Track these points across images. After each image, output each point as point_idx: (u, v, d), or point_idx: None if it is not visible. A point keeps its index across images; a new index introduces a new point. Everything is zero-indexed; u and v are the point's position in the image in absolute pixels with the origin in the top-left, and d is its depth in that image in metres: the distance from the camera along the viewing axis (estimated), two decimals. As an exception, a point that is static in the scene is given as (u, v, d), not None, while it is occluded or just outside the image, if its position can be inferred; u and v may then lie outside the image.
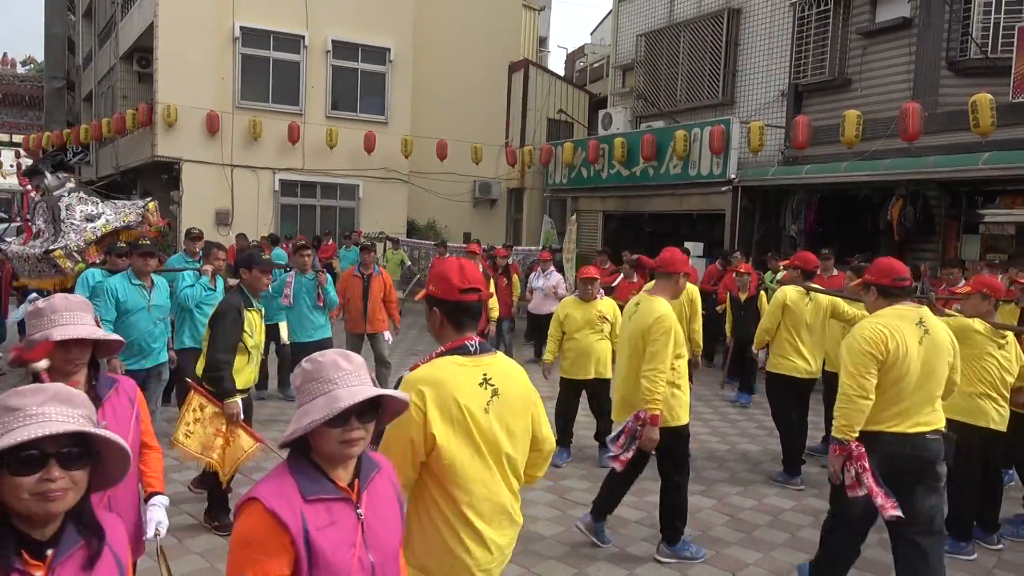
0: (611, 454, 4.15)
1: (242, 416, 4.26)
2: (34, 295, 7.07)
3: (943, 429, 3.47)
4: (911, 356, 3.35)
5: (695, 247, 13.17)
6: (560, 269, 11.83)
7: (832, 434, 3.44)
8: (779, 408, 5.83)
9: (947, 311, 5.37)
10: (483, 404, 2.14)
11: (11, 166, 45.79)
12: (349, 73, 17.38)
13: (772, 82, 13.10)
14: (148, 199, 7.77)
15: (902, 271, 3.57)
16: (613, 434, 4.21)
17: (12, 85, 29.51)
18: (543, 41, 25.36)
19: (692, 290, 6.59)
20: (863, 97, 11.43)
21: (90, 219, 6.85)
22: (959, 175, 9.87)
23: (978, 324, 4.49)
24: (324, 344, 6.86)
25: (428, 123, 17.91)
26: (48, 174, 7.42)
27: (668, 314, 4.12)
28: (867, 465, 3.28)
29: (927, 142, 10.00)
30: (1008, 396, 4.48)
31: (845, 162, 10.99)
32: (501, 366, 2.25)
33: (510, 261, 10.92)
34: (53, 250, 6.65)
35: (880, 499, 3.26)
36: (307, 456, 1.66)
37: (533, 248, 15.60)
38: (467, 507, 2.12)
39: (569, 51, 26.68)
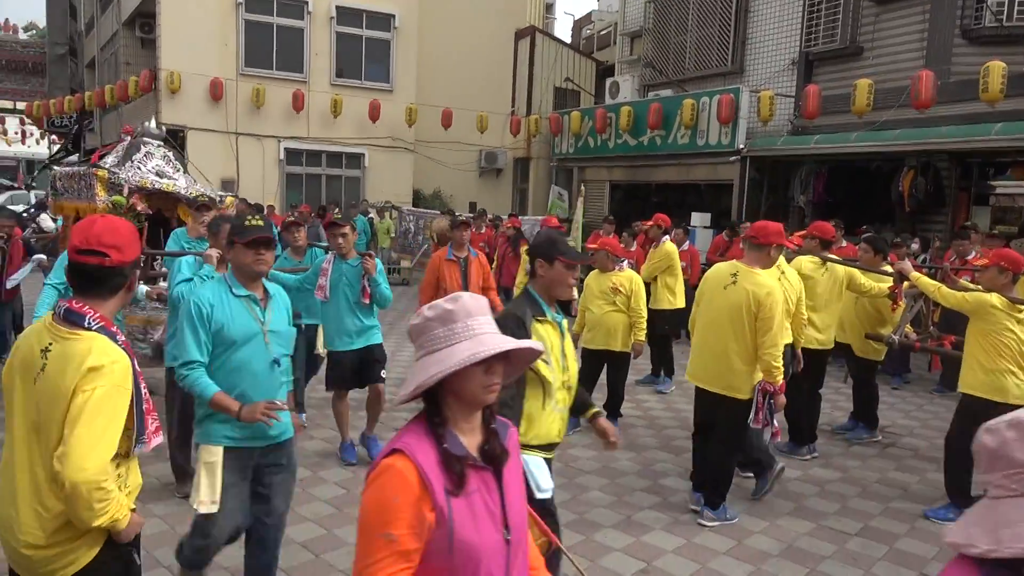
0: (759, 428, 4.35)
1: None
2: (39, 256, 6.52)
3: None
4: None
5: (702, 218, 13.12)
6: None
7: None
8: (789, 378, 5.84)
9: (960, 282, 5.35)
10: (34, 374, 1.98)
11: (15, 133, 45.70)
12: (354, 40, 17.19)
13: (783, 50, 12.91)
14: (229, 194, 7.30)
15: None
16: (751, 414, 4.27)
17: (15, 52, 29.31)
18: (549, 7, 24.98)
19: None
20: (875, 66, 11.26)
21: (159, 175, 6.34)
22: (971, 146, 9.77)
23: (995, 299, 4.46)
24: (372, 354, 5.16)
25: (433, 91, 17.74)
26: (151, 124, 7.12)
27: (776, 287, 4.25)
28: None
29: (939, 112, 9.87)
30: None
31: (855, 132, 10.88)
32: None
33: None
34: (100, 167, 6.10)
35: None
36: (439, 415, 1.56)
37: (540, 218, 15.54)
38: None
39: (576, 18, 26.31)
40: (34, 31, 31.93)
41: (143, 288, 5.01)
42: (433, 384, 1.51)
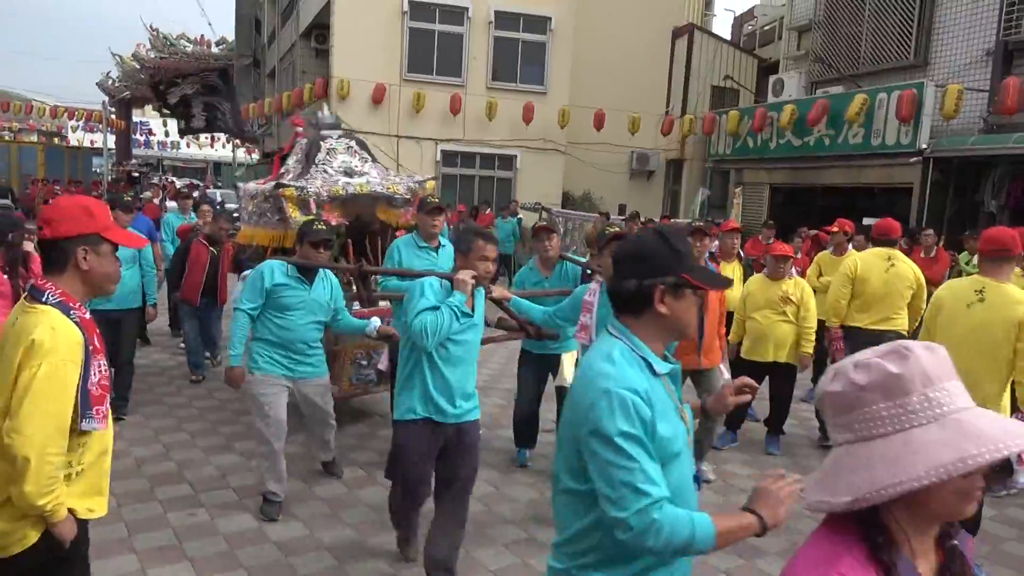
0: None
1: None
2: (248, 272, 5.08)
3: None
4: None
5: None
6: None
7: None
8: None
9: None
10: None
11: (206, 138, 50.61)
12: (510, 43, 17.47)
13: (975, 39, 11.67)
14: (429, 177, 6.07)
15: None
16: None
17: (208, 64, 32.40)
18: (708, 4, 24.14)
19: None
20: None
21: (348, 173, 5.55)
22: None
23: None
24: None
25: (586, 92, 17.66)
26: (325, 111, 6.34)
27: None
28: None
29: None
30: None
31: (1065, 129, 9.63)
32: None
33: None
34: (286, 186, 5.25)
35: None
36: (883, 534, 1.11)
37: (691, 222, 15.05)
38: None
39: (737, 14, 25.29)
40: (224, 45, 35.18)
41: (375, 321, 4.31)
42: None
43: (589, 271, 4.62)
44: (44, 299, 1.99)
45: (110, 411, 2.14)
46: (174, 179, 34.76)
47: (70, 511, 2.04)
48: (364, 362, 5.54)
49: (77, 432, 2.03)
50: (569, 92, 17.56)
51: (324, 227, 4.27)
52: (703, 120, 16.60)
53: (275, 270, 4.12)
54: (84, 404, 1.99)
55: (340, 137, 5.90)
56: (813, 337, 5.61)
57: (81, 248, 2.05)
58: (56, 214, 2.06)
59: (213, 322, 7.21)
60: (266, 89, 26.76)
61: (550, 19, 17.35)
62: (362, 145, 6.05)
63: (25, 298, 2.05)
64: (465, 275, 3.27)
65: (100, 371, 2.06)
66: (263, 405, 4.06)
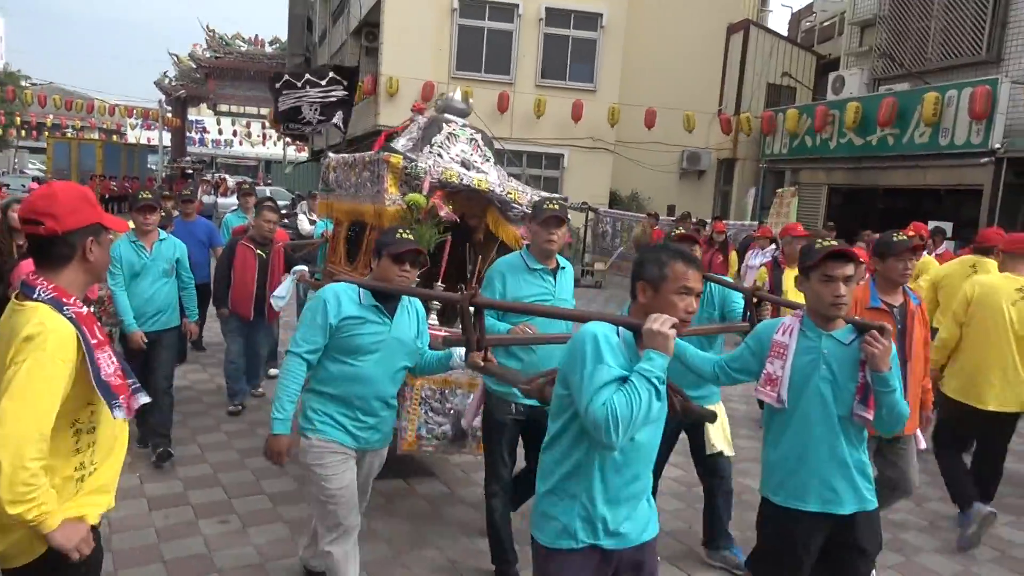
0: None
1: None
2: (301, 267, 4.76)
3: None
4: None
5: (944, 228, 11.52)
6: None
7: None
8: None
9: None
10: None
11: (258, 136, 51.56)
12: (560, 40, 17.21)
13: (1056, 33, 11.00)
14: (558, 196, 3.96)
15: None
16: None
17: (261, 63, 32.96)
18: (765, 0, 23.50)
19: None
20: None
21: (465, 165, 4.51)
22: None
23: None
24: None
25: (637, 90, 17.30)
26: (457, 94, 5.31)
27: None
28: None
29: None
30: None
31: None
32: None
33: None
34: (395, 152, 4.29)
35: None
36: None
37: (746, 223, 14.59)
38: None
39: (795, 10, 24.56)
40: (277, 44, 35.74)
41: (459, 352, 3.01)
42: None
43: (756, 299, 3.31)
44: (35, 295, 1.88)
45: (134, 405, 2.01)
46: (226, 176, 35.42)
47: (81, 517, 1.90)
48: (437, 403, 3.93)
49: (86, 430, 1.93)
50: (619, 90, 17.23)
51: (410, 235, 3.03)
52: (761, 118, 16.09)
53: (342, 297, 2.95)
54: (108, 395, 1.89)
55: (465, 126, 4.86)
56: None
57: (90, 239, 1.95)
58: (58, 208, 1.92)
59: (262, 339, 6.14)
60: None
61: (601, 15, 17.05)
62: (488, 143, 4.93)
63: (16, 296, 1.94)
64: (661, 322, 2.06)
65: (112, 362, 1.95)
66: (324, 478, 2.94)
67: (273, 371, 6.74)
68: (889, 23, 13.96)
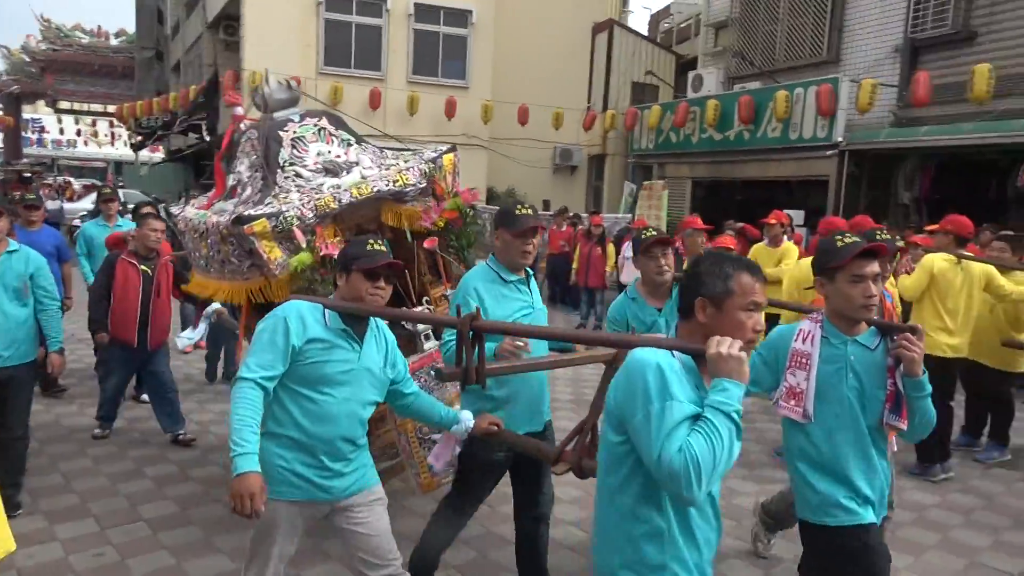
0: None
1: None
2: (216, 305, 4.36)
3: None
4: None
5: (795, 216, 12.43)
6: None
7: None
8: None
9: None
10: None
11: (105, 135, 47.84)
12: (431, 37, 17.10)
13: (884, 37, 12.10)
14: (446, 148, 4.52)
15: None
16: None
17: (106, 57, 30.59)
18: (626, 1, 24.40)
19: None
20: (989, 52, 10.39)
21: (331, 171, 3.88)
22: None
23: None
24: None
25: (509, 87, 17.48)
26: (272, 82, 4.23)
27: None
28: None
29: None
30: None
31: (968, 123, 10.06)
32: None
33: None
34: (254, 218, 3.45)
35: None
36: None
37: (619, 216, 15.10)
38: None
39: (653, 11, 25.66)
40: (124, 37, 33.24)
41: (467, 416, 2.87)
42: None
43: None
44: None
45: None
46: (71, 179, 32.60)
47: None
48: (436, 435, 3.56)
49: None
50: (492, 87, 17.34)
51: (382, 246, 2.65)
52: (625, 115, 16.69)
53: (306, 316, 2.53)
54: None
55: (304, 117, 4.08)
56: None
57: None
58: None
59: (161, 369, 5.21)
60: (171, 83, 25.40)
61: (471, 12, 17.08)
62: (338, 123, 4.21)
63: None
64: (728, 344, 1.76)
65: None
66: (271, 545, 2.59)
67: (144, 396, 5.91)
68: (741, 25, 14.87)
